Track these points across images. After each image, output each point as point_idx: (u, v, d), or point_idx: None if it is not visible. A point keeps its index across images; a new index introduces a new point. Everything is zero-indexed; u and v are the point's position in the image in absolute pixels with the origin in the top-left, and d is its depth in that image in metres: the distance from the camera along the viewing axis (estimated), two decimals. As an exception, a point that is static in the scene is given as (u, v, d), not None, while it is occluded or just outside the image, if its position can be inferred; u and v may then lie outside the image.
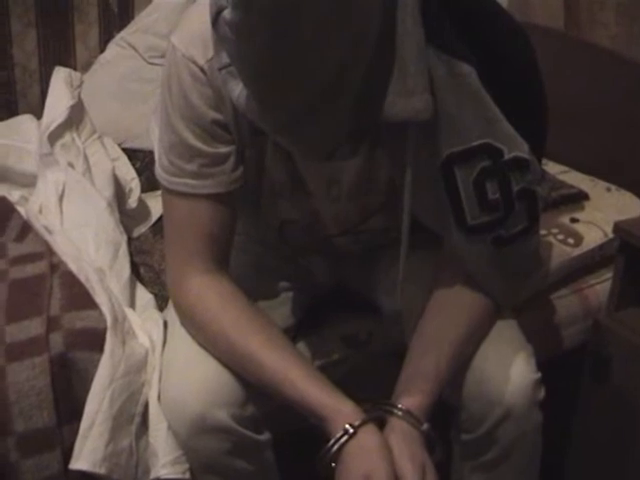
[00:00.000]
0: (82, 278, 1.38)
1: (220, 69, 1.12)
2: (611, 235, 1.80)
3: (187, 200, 1.24)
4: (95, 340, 1.28)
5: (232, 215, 1.28)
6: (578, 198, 1.99)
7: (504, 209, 1.22)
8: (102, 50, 2.43)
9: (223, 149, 1.23)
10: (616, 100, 2.11)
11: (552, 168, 2.14)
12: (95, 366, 1.26)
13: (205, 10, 1.16)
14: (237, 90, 1.10)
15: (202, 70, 1.18)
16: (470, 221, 1.22)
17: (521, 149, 1.20)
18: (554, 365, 1.65)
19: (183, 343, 1.29)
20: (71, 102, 1.79)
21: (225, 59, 1.10)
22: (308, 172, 1.30)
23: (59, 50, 2.41)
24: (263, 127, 1.14)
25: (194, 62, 1.18)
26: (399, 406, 1.20)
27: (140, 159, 2.06)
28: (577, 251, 1.81)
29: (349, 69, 1.04)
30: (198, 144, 1.21)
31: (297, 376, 1.20)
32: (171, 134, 1.22)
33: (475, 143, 1.18)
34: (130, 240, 1.76)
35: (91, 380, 1.25)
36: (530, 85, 1.24)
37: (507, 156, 1.19)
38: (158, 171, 1.27)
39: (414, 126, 1.15)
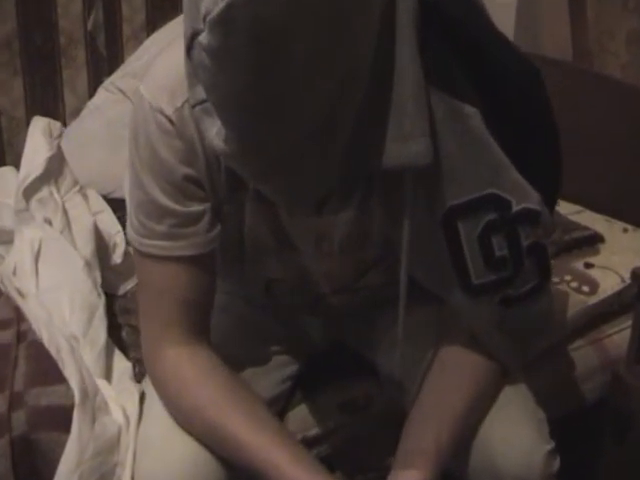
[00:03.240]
0: (52, 348, 1.30)
1: (194, 105, 1.02)
2: (629, 281, 1.72)
3: (160, 264, 1.16)
4: (61, 419, 1.20)
5: (210, 279, 1.20)
6: (592, 241, 1.92)
7: (513, 267, 1.14)
8: (91, 96, 2.37)
9: (196, 207, 1.14)
10: (631, 133, 2.04)
11: (564, 208, 2.06)
12: (62, 447, 1.18)
13: (174, 55, 1.08)
14: (213, 130, 1.00)
15: (170, 121, 1.09)
16: (475, 280, 1.14)
17: (531, 200, 1.12)
18: (572, 422, 1.59)
19: (160, 419, 1.20)
20: (49, 154, 1.71)
21: (200, 94, 1.00)
22: (294, 228, 1.21)
23: (46, 97, 2.36)
24: (242, 173, 1.05)
25: (161, 112, 1.09)
26: None
27: (129, 209, 1.99)
28: (593, 300, 1.74)
29: (341, 104, 0.95)
30: (168, 202, 1.12)
31: (280, 457, 1.11)
32: (139, 191, 1.14)
33: (480, 194, 1.10)
34: (115, 298, 1.69)
35: (57, 463, 1.17)
36: (542, 128, 1.16)
37: (515, 208, 1.11)
38: (129, 230, 1.19)
39: (412, 174, 1.06)
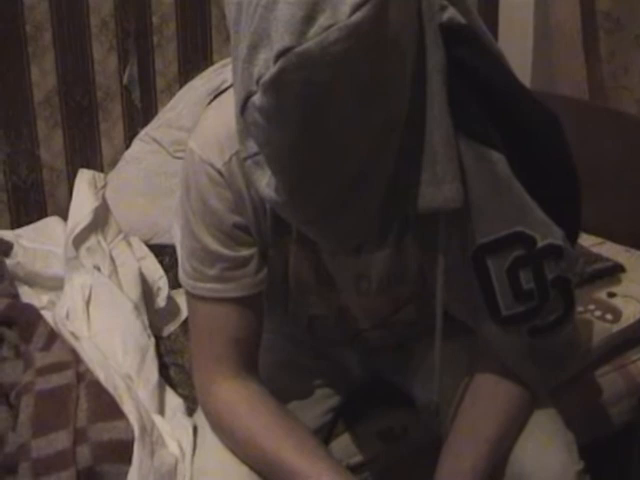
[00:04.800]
0: (109, 387, 1.36)
1: (246, 158, 1.08)
2: None
3: (211, 305, 1.22)
4: (123, 452, 1.25)
5: (258, 318, 1.26)
6: (614, 271, 1.95)
7: (539, 298, 1.18)
8: (127, 146, 2.44)
9: (245, 252, 1.20)
10: None
11: (585, 240, 2.10)
12: (124, 478, 1.23)
13: (221, 111, 1.17)
14: (264, 180, 1.06)
15: (220, 173, 1.16)
16: (504, 312, 1.19)
17: (555, 236, 1.17)
18: (600, 447, 1.61)
19: (214, 451, 1.25)
20: (95, 204, 1.78)
21: (251, 148, 1.06)
22: (335, 268, 1.27)
23: (85, 149, 2.43)
24: (290, 220, 1.11)
25: (211, 165, 1.16)
26: None
27: (169, 254, 2.04)
28: (616, 327, 1.76)
29: (381, 154, 1.01)
30: (220, 249, 1.19)
31: None
32: (192, 240, 1.20)
33: (507, 232, 1.15)
34: (160, 340, 1.74)
35: (120, 494, 1.22)
36: (562, 172, 1.20)
37: (540, 244, 1.16)
38: (181, 276, 1.25)
39: (445, 215, 1.12)
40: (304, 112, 0.91)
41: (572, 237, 1.23)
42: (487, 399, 1.27)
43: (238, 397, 1.23)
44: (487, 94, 1.10)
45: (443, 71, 1.05)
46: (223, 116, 1.13)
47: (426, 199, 1.07)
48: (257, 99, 0.93)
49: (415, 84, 1.02)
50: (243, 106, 0.96)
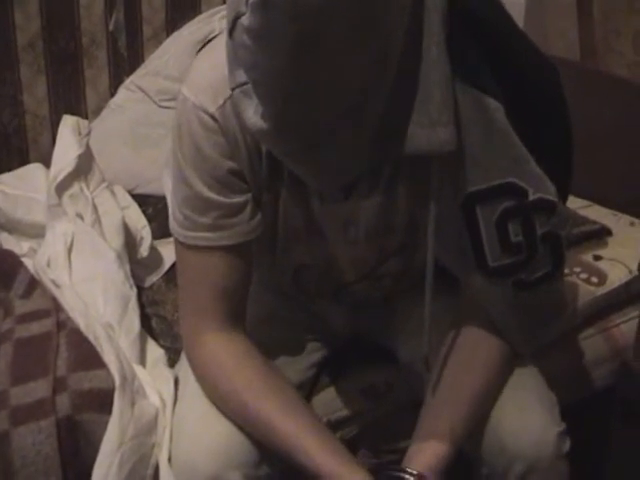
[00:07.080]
0: (90, 335, 1.34)
1: (234, 88, 1.06)
2: (636, 272, 1.74)
3: (202, 254, 1.20)
4: (103, 401, 1.24)
5: (248, 268, 1.24)
6: (601, 234, 1.93)
7: (527, 252, 1.17)
8: (112, 94, 2.40)
9: (239, 198, 1.18)
10: (635, 131, 2.06)
11: (573, 203, 2.06)
12: (103, 428, 1.22)
13: (213, 55, 1.15)
14: (251, 109, 1.04)
15: (213, 118, 1.14)
16: (491, 262, 1.18)
17: (547, 191, 1.16)
18: (582, 408, 1.61)
19: (194, 402, 1.25)
20: (79, 151, 1.75)
21: (240, 77, 1.04)
22: (324, 214, 1.26)
23: (69, 96, 2.39)
24: (277, 152, 1.10)
25: (204, 110, 1.14)
26: (410, 471, 1.15)
27: (152, 205, 2.03)
28: (601, 290, 1.75)
29: (373, 85, 0.99)
30: (213, 196, 1.17)
31: (309, 443, 1.16)
32: (184, 187, 1.18)
33: (499, 182, 1.13)
34: (142, 290, 1.73)
35: (99, 443, 1.21)
36: (559, 123, 1.20)
37: (532, 197, 1.14)
38: (172, 225, 1.23)
39: (437, 160, 1.10)
40: (293, 33, 0.90)
41: (562, 196, 1.21)
42: (468, 355, 1.26)
43: (223, 350, 1.22)
44: (486, 38, 1.09)
45: (442, 12, 1.03)
46: (215, 60, 1.11)
47: (420, 141, 1.05)
48: (245, 19, 0.92)
49: (412, 19, 1.00)
50: (232, 28, 0.95)
